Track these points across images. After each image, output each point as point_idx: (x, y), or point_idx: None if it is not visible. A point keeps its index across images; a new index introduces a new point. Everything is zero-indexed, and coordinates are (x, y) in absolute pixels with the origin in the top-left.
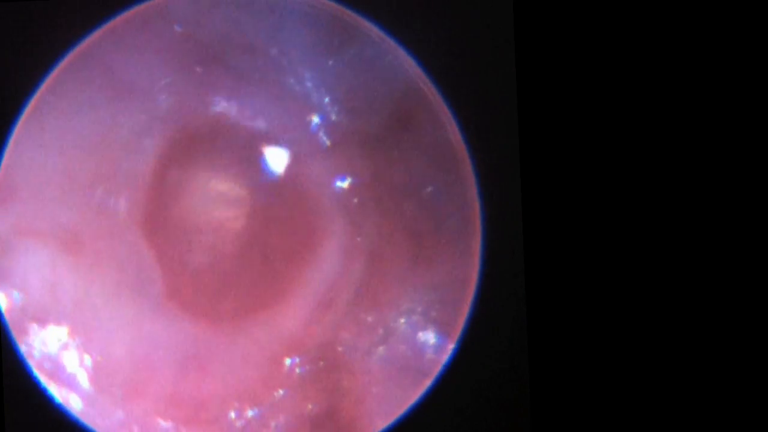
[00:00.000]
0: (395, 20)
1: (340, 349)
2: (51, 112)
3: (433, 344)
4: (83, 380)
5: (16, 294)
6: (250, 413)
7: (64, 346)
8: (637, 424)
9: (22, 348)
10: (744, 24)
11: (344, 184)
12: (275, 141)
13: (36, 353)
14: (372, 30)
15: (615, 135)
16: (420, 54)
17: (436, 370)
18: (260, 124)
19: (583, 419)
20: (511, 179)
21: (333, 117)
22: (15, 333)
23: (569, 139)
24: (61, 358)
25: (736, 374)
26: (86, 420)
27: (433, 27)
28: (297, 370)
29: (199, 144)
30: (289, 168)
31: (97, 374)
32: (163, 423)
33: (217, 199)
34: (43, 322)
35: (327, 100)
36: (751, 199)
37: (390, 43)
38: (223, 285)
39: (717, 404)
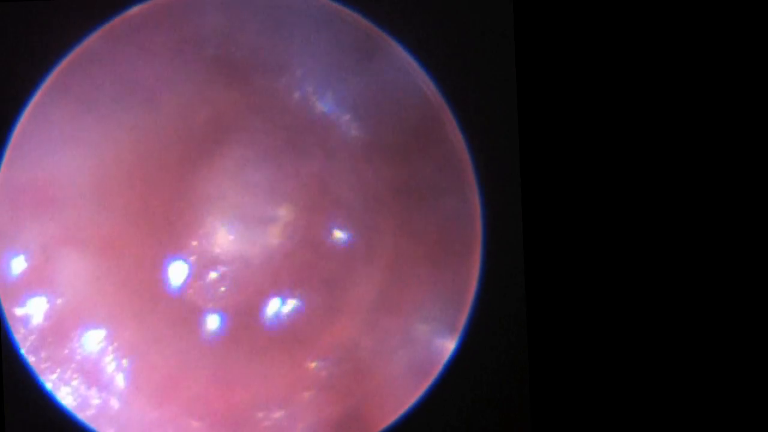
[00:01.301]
0: (396, 21)
1: (363, 352)
2: (85, 125)
3: (451, 347)
4: (120, 381)
5: (59, 300)
6: (277, 415)
7: (104, 350)
8: (637, 423)
9: (64, 352)
10: (744, 24)
11: (364, 194)
12: (299, 153)
13: (77, 356)
14: (392, 44)
15: (615, 135)
16: (420, 55)
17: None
18: (284, 135)
19: (583, 419)
20: (511, 179)
21: (353, 131)
22: (57, 337)
23: (569, 139)
24: (100, 361)
25: (735, 373)
26: (123, 419)
27: (434, 28)
28: (323, 374)
29: (228, 155)
30: (311, 177)
31: (133, 376)
32: (195, 423)
33: (243, 212)
34: (83, 326)
35: (348, 115)
36: (750, 199)
37: (405, 57)
38: (250, 292)
39: (717, 403)
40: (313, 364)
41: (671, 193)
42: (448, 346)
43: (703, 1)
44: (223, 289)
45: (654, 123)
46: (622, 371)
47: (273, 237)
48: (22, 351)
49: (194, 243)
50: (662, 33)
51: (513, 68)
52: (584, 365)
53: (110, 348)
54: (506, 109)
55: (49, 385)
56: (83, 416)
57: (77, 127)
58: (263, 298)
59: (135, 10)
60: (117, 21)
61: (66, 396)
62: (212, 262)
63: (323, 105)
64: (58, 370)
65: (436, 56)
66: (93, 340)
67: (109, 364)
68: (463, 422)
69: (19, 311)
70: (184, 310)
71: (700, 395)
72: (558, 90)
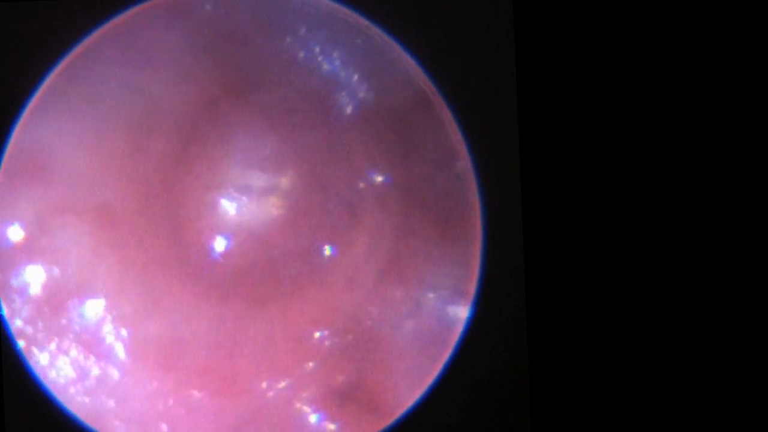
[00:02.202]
0: (396, 21)
1: (368, 323)
2: (81, 94)
3: (460, 318)
4: (120, 352)
5: (55, 270)
6: (281, 384)
7: (102, 320)
8: (636, 423)
9: (62, 322)
10: (744, 24)
11: (372, 162)
12: (304, 119)
13: (75, 326)
14: (392, 44)
15: (614, 135)
16: (420, 54)
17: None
18: (291, 100)
19: (583, 419)
20: (511, 178)
21: (361, 94)
22: (55, 308)
23: (569, 139)
24: (99, 331)
25: (735, 373)
26: (123, 389)
27: (434, 27)
28: (326, 343)
29: (229, 121)
30: (317, 147)
31: (133, 346)
32: (197, 394)
33: (246, 179)
34: (81, 296)
35: (355, 77)
36: (750, 199)
37: (405, 56)
38: (252, 263)
39: (717, 403)
40: (317, 334)
41: (671, 193)
42: (461, 314)
43: (703, 1)
44: (223, 259)
45: (654, 122)
46: (622, 370)
47: (275, 207)
48: (19, 322)
49: (195, 211)
50: (662, 33)
51: (513, 68)
52: (584, 364)
53: (109, 317)
54: (506, 109)
55: (46, 356)
56: (82, 386)
57: (77, 126)
58: (265, 268)
59: (135, 10)
60: (117, 21)
61: (64, 366)
62: (213, 231)
63: (323, 99)
64: (56, 340)
65: (436, 56)
66: (91, 310)
67: (108, 334)
68: (463, 422)
69: (15, 282)
70: (185, 280)
71: (699, 395)
72: (558, 89)
